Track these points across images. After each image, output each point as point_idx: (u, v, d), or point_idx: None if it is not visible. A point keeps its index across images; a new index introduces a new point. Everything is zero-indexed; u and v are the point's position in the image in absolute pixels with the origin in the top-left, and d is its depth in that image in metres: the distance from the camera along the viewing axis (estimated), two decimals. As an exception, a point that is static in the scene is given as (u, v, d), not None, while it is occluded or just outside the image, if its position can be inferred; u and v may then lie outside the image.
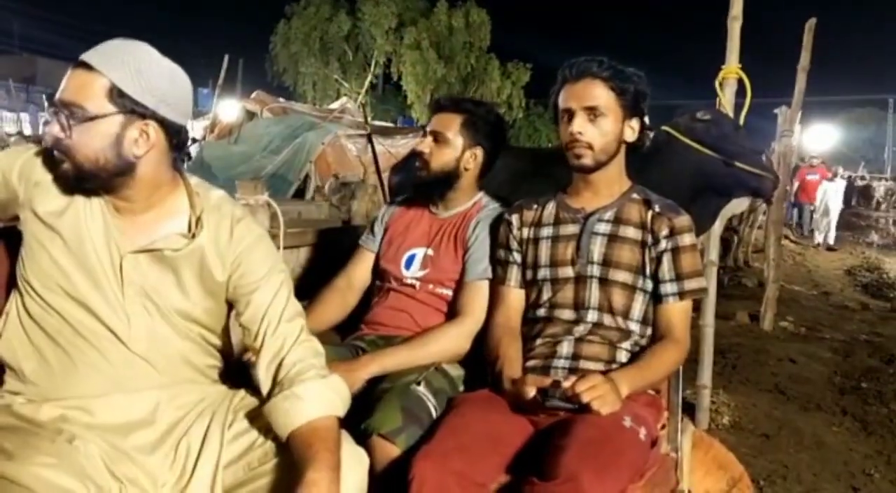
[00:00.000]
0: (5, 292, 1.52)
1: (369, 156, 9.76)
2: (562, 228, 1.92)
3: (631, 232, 1.86)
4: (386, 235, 2.24)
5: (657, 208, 1.87)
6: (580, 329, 1.84)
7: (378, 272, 2.22)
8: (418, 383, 1.82)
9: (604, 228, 1.88)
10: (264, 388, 1.48)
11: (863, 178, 23.37)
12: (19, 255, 1.48)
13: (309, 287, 2.23)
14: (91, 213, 1.45)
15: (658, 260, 1.85)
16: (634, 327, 1.85)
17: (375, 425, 1.68)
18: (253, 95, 13.77)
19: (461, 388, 1.95)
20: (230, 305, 1.58)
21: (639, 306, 1.86)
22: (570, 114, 1.84)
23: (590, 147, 1.84)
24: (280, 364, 1.48)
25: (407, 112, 26.80)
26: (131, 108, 1.37)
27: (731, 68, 3.25)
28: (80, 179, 1.40)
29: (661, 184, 2.00)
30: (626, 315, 1.85)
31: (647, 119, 1.90)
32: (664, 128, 2.39)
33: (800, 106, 5.84)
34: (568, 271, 1.88)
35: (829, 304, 7.89)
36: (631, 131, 1.87)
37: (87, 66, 1.36)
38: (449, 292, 2.10)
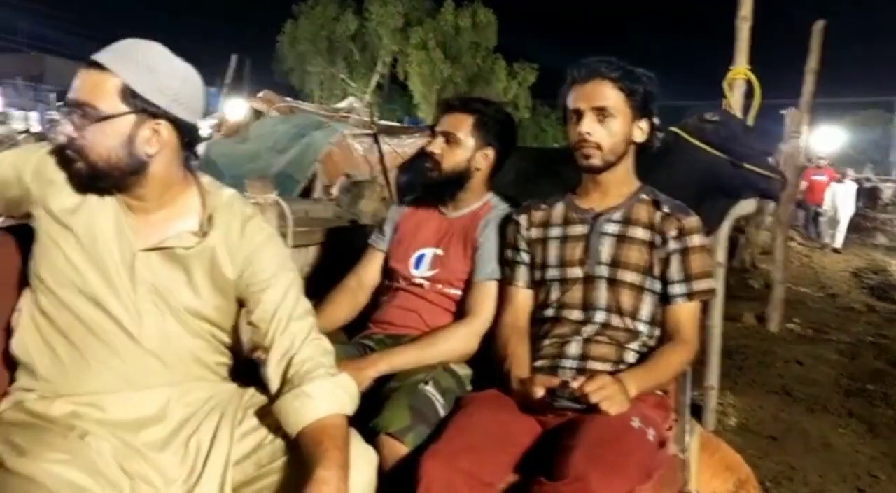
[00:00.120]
0: (18, 289, 1.53)
1: (375, 155, 9.77)
2: (570, 229, 1.92)
3: (640, 233, 1.86)
4: (395, 235, 2.25)
5: (666, 209, 1.87)
6: (588, 330, 1.84)
7: (387, 272, 2.23)
8: (426, 383, 1.83)
9: (613, 228, 1.88)
10: (274, 386, 1.49)
11: (869, 180, 23.29)
12: (32, 252, 1.49)
13: (317, 286, 2.24)
14: (104, 211, 1.46)
15: (667, 261, 1.85)
16: (643, 327, 1.85)
17: (384, 423, 1.69)
18: (260, 94, 13.79)
19: (469, 387, 1.95)
20: (240, 303, 1.59)
21: (647, 306, 1.86)
22: (579, 114, 1.85)
23: (598, 147, 1.84)
24: (289, 362, 1.48)
25: (413, 112, 26.82)
26: (143, 107, 1.38)
27: (740, 69, 3.25)
28: (93, 178, 1.41)
29: (670, 185, 2.00)
30: (634, 316, 1.85)
31: (656, 120, 1.90)
32: (673, 129, 2.39)
33: (808, 107, 5.82)
34: (577, 272, 1.88)
35: (836, 306, 7.86)
36: (640, 132, 1.87)
37: (99, 66, 1.37)
38: (458, 292, 2.10)
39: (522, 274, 1.98)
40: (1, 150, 1.71)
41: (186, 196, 1.52)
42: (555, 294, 1.91)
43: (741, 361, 5.01)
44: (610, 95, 1.82)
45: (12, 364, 1.50)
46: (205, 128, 12.44)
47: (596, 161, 1.85)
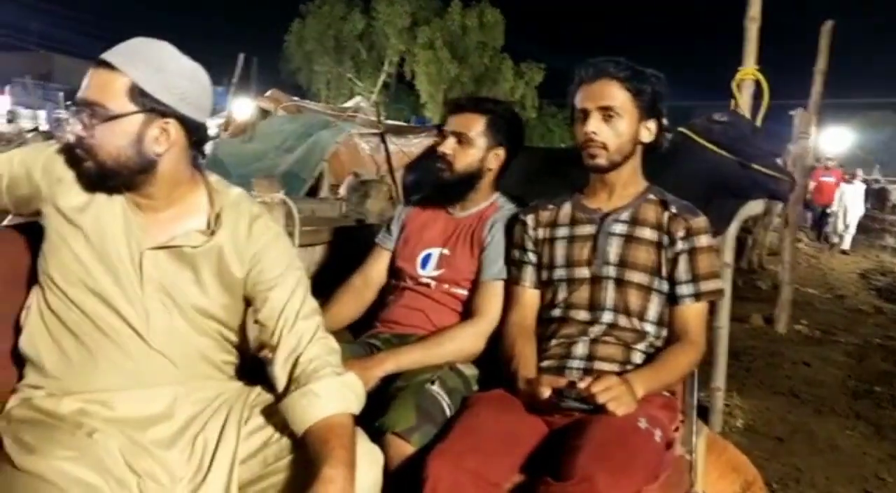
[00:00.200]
0: (27, 286, 1.54)
1: (382, 155, 9.79)
2: (578, 229, 1.92)
3: (647, 233, 1.86)
4: (402, 235, 2.25)
5: (674, 209, 1.86)
6: (595, 330, 1.84)
7: (394, 271, 2.23)
8: (433, 382, 1.83)
9: (620, 228, 1.87)
10: (280, 385, 1.49)
11: (878, 181, 23.21)
12: (41, 250, 1.49)
13: (324, 285, 2.24)
14: (112, 209, 1.47)
15: (674, 261, 1.84)
16: (650, 328, 1.85)
17: (390, 423, 1.69)
18: (267, 93, 13.83)
19: (475, 387, 1.95)
20: (247, 301, 1.59)
21: (654, 307, 1.86)
22: (586, 114, 1.84)
23: (604, 147, 1.83)
24: (296, 361, 1.48)
25: (420, 111, 26.85)
26: (152, 106, 1.39)
27: (749, 70, 3.23)
28: (102, 177, 1.42)
29: (678, 185, 1.99)
30: (641, 316, 1.84)
31: (665, 121, 1.89)
32: (681, 129, 2.39)
33: (816, 108, 5.80)
34: (584, 272, 1.88)
35: (844, 307, 7.84)
36: (647, 133, 1.86)
37: (108, 66, 1.37)
38: (464, 292, 2.10)
39: (529, 274, 1.98)
40: (10, 148, 1.72)
41: (194, 195, 1.53)
42: (562, 294, 1.90)
43: (748, 362, 5.00)
44: (617, 95, 1.82)
45: (21, 361, 1.51)
46: (212, 127, 12.48)
47: (601, 161, 1.85)
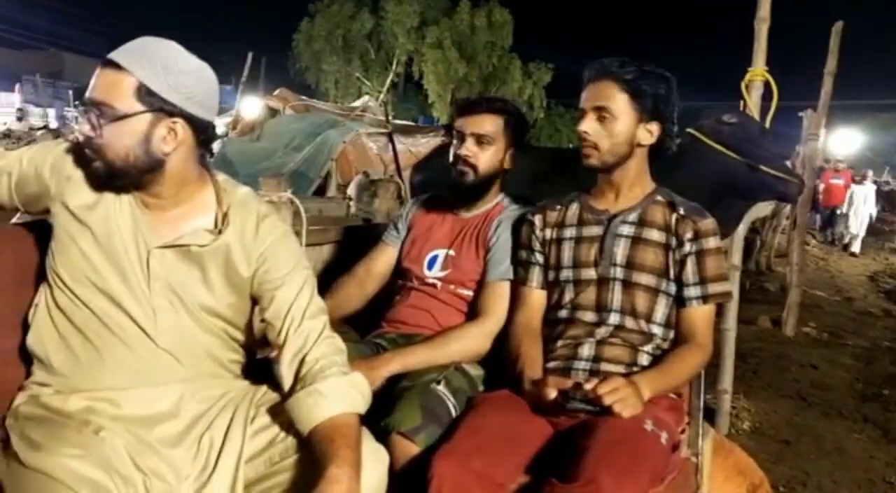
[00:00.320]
0: (36, 284, 1.55)
1: (390, 154, 9.78)
2: (585, 230, 1.92)
3: (655, 234, 1.85)
4: (409, 235, 2.25)
5: (682, 211, 1.85)
6: (602, 331, 1.83)
7: (400, 272, 2.23)
8: (438, 383, 1.83)
9: (627, 230, 1.87)
10: (286, 384, 1.50)
11: (887, 183, 23.11)
12: (49, 248, 1.50)
13: (331, 285, 2.24)
14: (120, 208, 1.47)
15: (682, 263, 1.83)
16: (657, 330, 1.84)
17: (395, 423, 1.68)
18: (276, 92, 13.85)
19: (481, 388, 1.95)
20: (254, 301, 1.59)
21: (661, 309, 1.85)
22: (583, 113, 1.85)
23: (595, 148, 1.84)
24: (302, 361, 1.49)
25: (428, 111, 26.83)
26: (159, 106, 1.39)
27: (758, 71, 3.22)
28: (110, 177, 1.43)
29: (686, 186, 1.98)
30: (648, 318, 1.84)
31: (671, 124, 1.85)
32: (690, 130, 2.38)
33: (826, 110, 5.78)
34: (590, 273, 1.88)
35: (852, 310, 7.80)
36: (648, 135, 1.84)
37: (115, 65, 1.38)
38: (470, 293, 2.10)
39: (536, 275, 1.97)
40: (19, 146, 1.73)
41: (202, 194, 1.53)
42: (568, 295, 1.90)
43: (756, 364, 4.98)
44: (613, 95, 1.81)
45: (29, 359, 1.52)
46: (220, 126, 12.52)
47: (593, 161, 1.85)
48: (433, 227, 2.21)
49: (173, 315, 1.49)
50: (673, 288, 1.85)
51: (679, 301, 1.85)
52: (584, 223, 1.92)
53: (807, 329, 6.25)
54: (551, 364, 1.83)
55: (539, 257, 1.97)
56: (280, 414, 1.48)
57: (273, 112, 13.03)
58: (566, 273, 1.91)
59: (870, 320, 7.25)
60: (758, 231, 9.50)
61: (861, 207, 14.13)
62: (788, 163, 2.49)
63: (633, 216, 1.88)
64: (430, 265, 2.16)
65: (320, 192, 10.13)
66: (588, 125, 1.83)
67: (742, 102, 3.21)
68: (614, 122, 1.81)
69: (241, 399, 1.55)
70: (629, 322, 1.83)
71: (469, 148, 2.10)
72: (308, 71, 27.74)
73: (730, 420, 3.72)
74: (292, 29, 27.97)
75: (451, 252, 2.14)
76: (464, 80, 25.79)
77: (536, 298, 1.97)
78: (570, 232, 1.93)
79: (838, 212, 14.72)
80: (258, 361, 1.72)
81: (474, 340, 2.00)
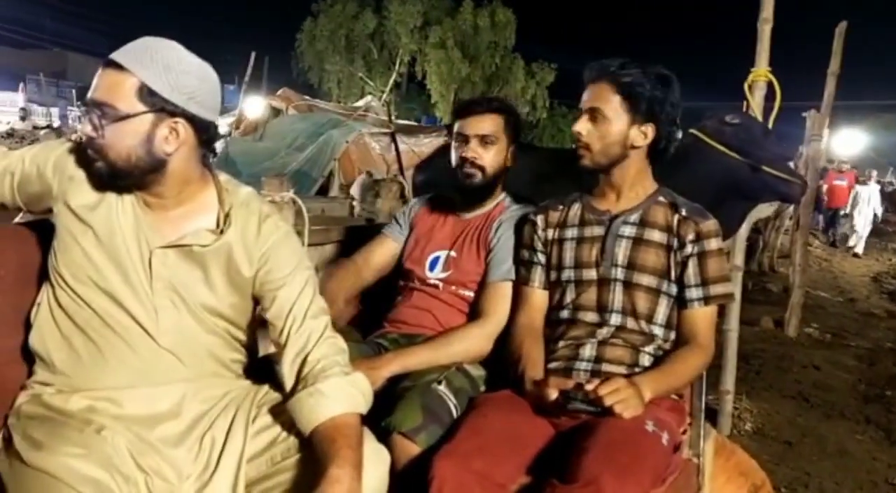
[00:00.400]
0: (38, 283, 1.55)
1: (393, 154, 9.79)
2: (587, 230, 1.92)
3: (656, 235, 1.85)
4: (411, 235, 2.25)
5: (684, 212, 1.85)
6: (603, 332, 1.83)
7: (402, 272, 2.23)
8: (439, 383, 1.83)
9: (629, 230, 1.87)
10: (288, 384, 1.50)
11: (892, 184, 23.05)
12: (52, 247, 1.50)
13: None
14: (122, 208, 1.47)
15: (684, 264, 1.83)
16: (658, 331, 1.84)
17: (396, 423, 1.69)
18: (279, 92, 13.86)
19: (482, 388, 1.95)
20: (256, 300, 1.59)
21: (663, 309, 1.85)
22: (580, 114, 1.86)
23: (587, 148, 1.84)
24: (304, 360, 1.49)
25: (431, 111, 26.82)
26: (161, 106, 1.39)
27: (761, 71, 3.21)
28: (113, 177, 1.43)
29: (689, 187, 1.98)
30: (649, 319, 1.84)
31: (667, 125, 1.83)
32: (692, 131, 2.38)
33: (829, 110, 5.77)
34: (591, 274, 1.87)
35: (855, 311, 7.79)
36: (641, 137, 1.83)
37: (116, 66, 1.38)
38: (472, 294, 2.10)
39: (538, 275, 1.97)
40: (23, 145, 1.73)
41: (204, 194, 1.53)
42: (570, 296, 1.90)
43: (758, 365, 4.97)
44: (606, 97, 1.81)
45: (31, 358, 1.52)
46: (223, 125, 12.53)
47: (585, 161, 1.86)
48: (435, 228, 2.21)
49: (175, 315, 1.49)
50: (674, 289, 1.84)
51: (681, 302, 1.85)
52: (585, 224, 1.92)
53: (809, 330, 6.25)
54: (553, 365, 1.83)
55: (541, 258, 1.97)
56: (282, 414, 1.49)
57: (276, 112, 13.05)
58: (568, 274, 1.91)
59: (873, 321, 7.24)
60: (761, 232, 9.49)
61: (865, 207, 14.08)
62: (791, 164, 2.48)
63: (634, 217, 1.88)
64: (432, 266, 2.16)
65: (323, 191, 10.15)
66: (581, 125, 1.84)
67: (745, 103, 3.21)
68: (606, 123, 1.81)
69: (242, 399, 1.55)
70: (630, 323, 1.83)
71: (474, 150, 2.10)
72: (311, 71, 27.74)
73: (732, 421, 3.72)
74: (295, 29, 27.99)
75: (453, 253, 2.14)
76: (467, 80, 25.77)
77: (538, 298, 1.97)
78: (571, 232, 1.93)
79: (842, 213, 14.67)
80: (260, 360, 1.73)
81: (476, 340, 2.00)
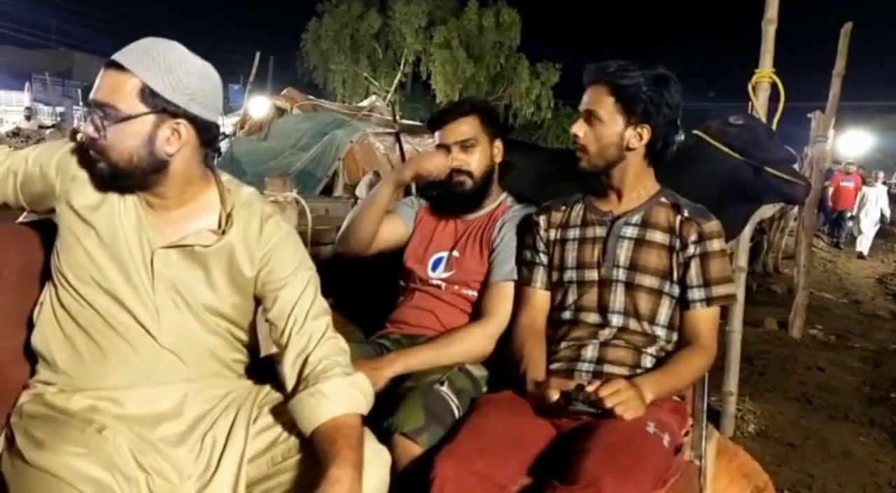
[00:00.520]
0: (41, 283, 1.56)
1: (397, 154, 9.78)
2: (588, 230, 1.91)
3: (658, 236, 1.85)
4: (414, 234, 2.25)
5: (686, 213, 1.85)
6: (605, 333, 1.83)
7: (404, 273, 2.23)
8: (441, 383, 1.83)
9: (631, 231, 1.86)
10: (289, 384, 1.50)
11: (897, 185, 22.98)
12: (54, 247, 1.51)
13: (336, 285, 2.24)
14: (125, 208, 1.48)
15: (686, 265, 1.83)
16: (660, 332, 1.84)
17: (398, 423, 1.69)
18: (283, 91, 13.85)
19: (484, 389, 1.95)
20: (258, 301, 1.60)
21: (665, 310, 1.84)
22: (578, 116, 1.87)
23: (584, 150, 1.85)
24: (305, 361, 1.49)
25: (435, 111, 26.73)
26: (163, 107, 1.39)
27: (765, 72, 3.21)
28: (115, 178, 1.43)
29: (692, 188, 1.98)
30: (651, 320, 1.83)
31: (664, 127, 1.82)
32: (696, 132, 2.37)
33: (834, 111, 5.75)
34: (593, 274, 1.87)
35: (860, 312, 7.77)
36: (637, 138, 1.82)
37: (118, 67, 1.38)
38: (474, 294, 2.10)
39: (540, 275, 1.97)
40: (28, 144, 1.74)
41: (206, 194, 1.54)
42: (571, 297, 1.90)
43: (762, 366, 4.96)
44: (601, 99, 1.82)
45: (34, 357, 1.52)
46: (228, 125, 12.54)
47: (583, 163, 1.87)
48: (437, 229, 2.21)
49: (177, 315, 1.49)
50: (676, 290, 1.84)
51: (683, 303, 1.84)
52: (587, 224, 1.92)
53: (814, 332, 6.23)
54: (554, 366, 1.83)
55: (543, 258, 1.97)
56: (283, 414, 1.49)
57: (280, 112, 13.04)
58: (570, 274, 1.91)
59: (877, 323, 7.22)
60: (765, 233, 9.46)
61: (872, 208, 14.03)
62: (796, 166, 2.47)
63: (636, 218, 1.87)
64: (435, 267, 2.16)
65: (327, 191, 10.14)
66: (578, 128, 1.85)
67: (749, 104, 3.20)
68: (602, 125, 1.82)
69: (244, 399, 1.55)
70: (632, 324, 1.83)
71: (457, 157, 2.11)
72: (316, 70, 27.74)
73: (735, 423, 3.71)
74: (300, 28, 27.98)
75: (456, 253, 2.14)
76: (471, 81, 25.75)
77: (540, 299, 1.97)
78: (573, 233, 1.93)
79: (848, 215, 14.60)
80: (261, 361, 1.73)
81: (478, 340, 2.00)
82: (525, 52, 26.76)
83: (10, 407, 1.49)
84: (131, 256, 1.46)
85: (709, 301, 1.82)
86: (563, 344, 1.86)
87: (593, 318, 1.86)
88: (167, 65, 1.39)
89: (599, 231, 1.89)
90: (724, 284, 1.82)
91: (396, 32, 26.46)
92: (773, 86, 3.19)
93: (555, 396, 1.64)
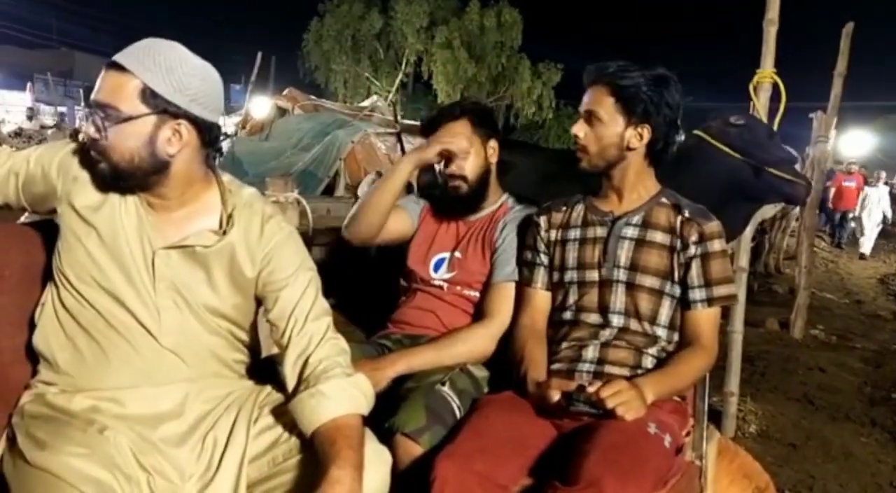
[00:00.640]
0: (42, 283, 1.56)
1: (398, 154, 9.77)
2: (589, 231, 1.91)
3: (659, 236, 1.85)
4: (417, 234, 2.25)
5: (687, 213, 1.85)
6: (606, 334, 1.83)
7: (406, 273, 2.23)
8: (443, 384, 1.83)
9: (631, 232, 1.86)
10: (290, 385, 1.50)
11: (899, 185, 22.95)
12: (56, 248, 1.51)
13: (337, 285, 2.24)
14: (126, 208, 1.48)
15: (687, 266, 1.83)
16: (661, 332, 1.84)
17: (400, 423, 1.69)
18: (285, 91, 13.85)
19: (485, 389, 1.95)
20: (258, 301, 1.60)
21: (666, 311, 1.84)
22: (579, 116, 1.87)
23: (585, 151, 1.85)
24: (306, 362, 1.49)
25: (425, 118, 26.65)
26: (164, 107, 1.40)
27: (766, 72, 3.20)
28: (116, 178, 1.43)
29: (693, 188, 1.98)
30: (652, 321, 1.83)
31: (664, 127, 1.82)
32: (696, 132, 2.37)
33: (836, 111, 5.75)
34: (594, 275, 1.87)
35: (861, 313, 7.75)
36: (637, 138, 1.83)
37: (119, 68, 1.38)
38: (476, 294, 2.10)
39: (541, 276, 1.97)
40: (30, 145, 1.74)
41: (207, 194, 1.54)
42: (572, 297, 1.90)
43: (763, 367, 4.95)
44: (601, 99, 1.82)
45: (35, 358, 1.53)
46: (230, 125, 12.54)
47: (584, 164, 1.87)
48: (439, 230, 2.21)
49: (178, 315, 1.49)
50: (677, 290, 1.84)
51: (684, 304, 1.84)
52: (588, 225, 1.92)
53: (815, 332, 6.22)
54: (555, 366, 1.83)
55: (544, 259, 1.97)
56: (284, 415, 1.49)
57: (282, 112, 13.04)
58: (570, 275, 1.91)
59: (879, 323, 7.21)
60: (766, 233, 9.46)
61: (875, 209, 14.01)
62: (797, 166, 2.47)
63: (637, 218, 1.87)
64: (437, 267, 2.16)
65: (329, 191, 10.14)
66: (579, 128, 1.85)
67: (751, 104, 3.20)
68: (602, 126, 1.82)
69: (245, 399, 1.55)
70: (633, 324, 1.83)
71: (455, 166, 2.11)
72: (317, 70, 27.75)
73: (736, 423, 3.70)
74: (302, 28, 27.98)
75: (458, 254, 2.15)
76: (473, 81, 25.75)
77: (541, 299, 1.97)
78: (574, 233, 1.93)
79: (851, 215, 14.57)
80: (263, 361, 1.73)
81: (480, 341, 2.01)
82: (526, 52, 26.77)
83: (12, 407, 1.49)
84: (132, 256, 1.47)
85: (710, 302, 1.82)
86: (564, 345, 1.86)
87: (594, 318, 1.86)
88: (168, 66, 1.39)
89: (600, 231, 1.90)
90: (725, 284, 1.82)
91: (398, 32, 26.46)
92: (775, 86, 3.19)
93: (556, 396, 1.65)
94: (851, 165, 15.04)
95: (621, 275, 1.84)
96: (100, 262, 1.46)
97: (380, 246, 2.31)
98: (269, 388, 1.59)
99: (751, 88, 3.21)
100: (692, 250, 1.82)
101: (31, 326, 1.53)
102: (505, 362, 1.93)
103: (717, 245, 1.83)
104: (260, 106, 13.04)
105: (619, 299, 1.84)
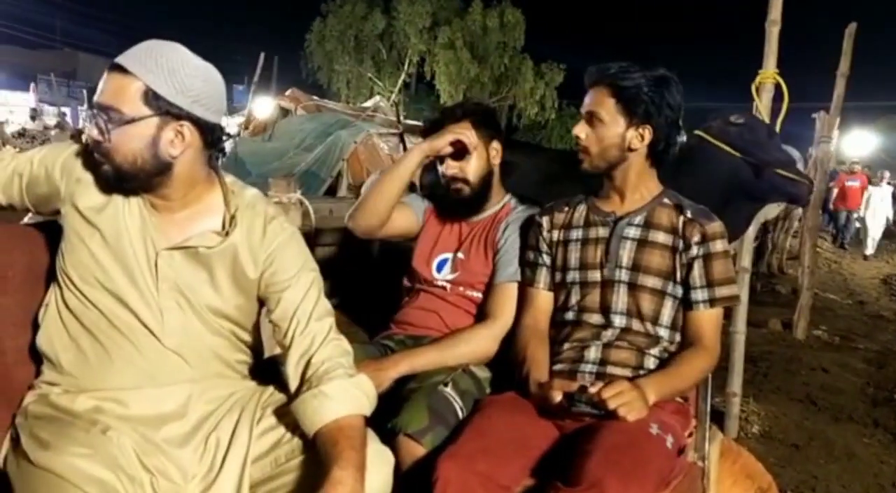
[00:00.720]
0: (46, 284, 1.56)
1: (401, 154, 9.77)
2: (591, 231, 1.92)
3: (661, 237, 1.85)
4: (422, 233, 2.25)
5: (689, 214, 1.85)
6: (608, 334, 1.83)
7: (409, 274, 2.23)
8: (445, 384, 1.83)
9: (633, 232, 1.86)
10: (292, 385, 1.50)
11: (903, 185, 22.88)
12: (59, 249, 1.51)
13: (340, 286, 2.25)
14: (129, 210, 1.48)
15: (689, 266, 1.83)
16: (663, 333, 1.84)
17: (402, 424, 1.69)
18: (287, 92, 13.86)
19: (488, 390, 1.95)
20: (261, 302, 1.60)
21: (668, 311, 1.84)
22: (580, 117, 1.87)
23: (586, 152, 1.85)
24: (308, 362, 1.49)
25: (427, 120, 26.63)
26: (166, 109, 1.40)
27: (769, 73, 3.20)
28: (119, 180, 1.44)
29: (694, 188, 1.98)
30: (654, 321, 1.83)
31: (666, 128, 1.82)
32: (697, 132, 2.37)
33: (839, 111, 5.74)
34: (596, 275, 1.87)
35: (864, 313, 7.74)
36: (639, 139, 1.83)
37: (121, 70, 1.39)
38: (479, 295, 2.10)
39: (543, 276, 1.97)
40: (34, 145, 1.75)
41: (210, 195, 1.54)
42: (574, 297, 1.90)
43: (766, 367, 4.95)
44: (602, 100, 1.82)
45: (39, 358, 1.53)
46: (232, 126, 12.56)
47: (585, 165, 1.88)
48: (443, 230, 2.21)
49: (181, 316, 1.50)
50: (679, 291, 1.84)
51: (686, 304, 1.84)
52: (590, 225, 1.92)
53: (818, 332, 6.21)
54: (557, 367, 1.83)
55: (546, 259, 1.97)
56: (286, 415, 1.49)
57: (285, 112, 13.05)
58: (572, 275, 1.91)
59: (882, 324, 7.20)
60: (769, 233, 9.44)
61: (879, 208, 13.98)
62: (800, 166, 2.46)
63: (639, 219, 1.87)
64: (440, 268, 2.16)
65: (331, 192, 10.15)
66: (580, 129, 1.86)
67: (753, 104, 3.20)
68: (603, 127, 1.82)
69: (247, 400, 1.55)
70: (635, 325, 1.83)
71: (451, 165, 2.11)
72: (320, 71, 27.77)
73: (738, 424, 3.70)
74: (305, 29, 28.00)
75: (461, 255, 2.15)
76: (475, 81, 25.75)
77: (543, 299, 1.97)
78: (576, 234, 1.93)
79: (855, 215, 14.54)
80: (265, 362, 1.74)
81: (483, 342, 2.01)
82: (529, 52, 26.78)
83: (16, 408, 1.49)
84: (135, 257, 1.47)
85: (712, 302, 1.82)
86: (567, 345, 1.86)
87: (596, 319, 1.86)
88: (170, 67, 1.39)
89: (602, 232, 1.90)
90: (727, 285, 1.82)
91: (400, 33, 26.47)
92: (777, 86, 3.19)
93: (558, 397, 1.65)
94: (854, 165, 14.99)
95: (623, 275, 1.84)
96: (103, 263, 1.46)
97: (382, 246, 2.31)
98: (271, 389, 1.59)
99: (753, 88, 3.21)
100: (694, 250, 1.82)
101: (35, 326, 1.53)
102: (507, 363, 1.93)
103: (719, 246, 1.83)
104: (263, 106, 13.05)
105: (621, 299, 1.84)
